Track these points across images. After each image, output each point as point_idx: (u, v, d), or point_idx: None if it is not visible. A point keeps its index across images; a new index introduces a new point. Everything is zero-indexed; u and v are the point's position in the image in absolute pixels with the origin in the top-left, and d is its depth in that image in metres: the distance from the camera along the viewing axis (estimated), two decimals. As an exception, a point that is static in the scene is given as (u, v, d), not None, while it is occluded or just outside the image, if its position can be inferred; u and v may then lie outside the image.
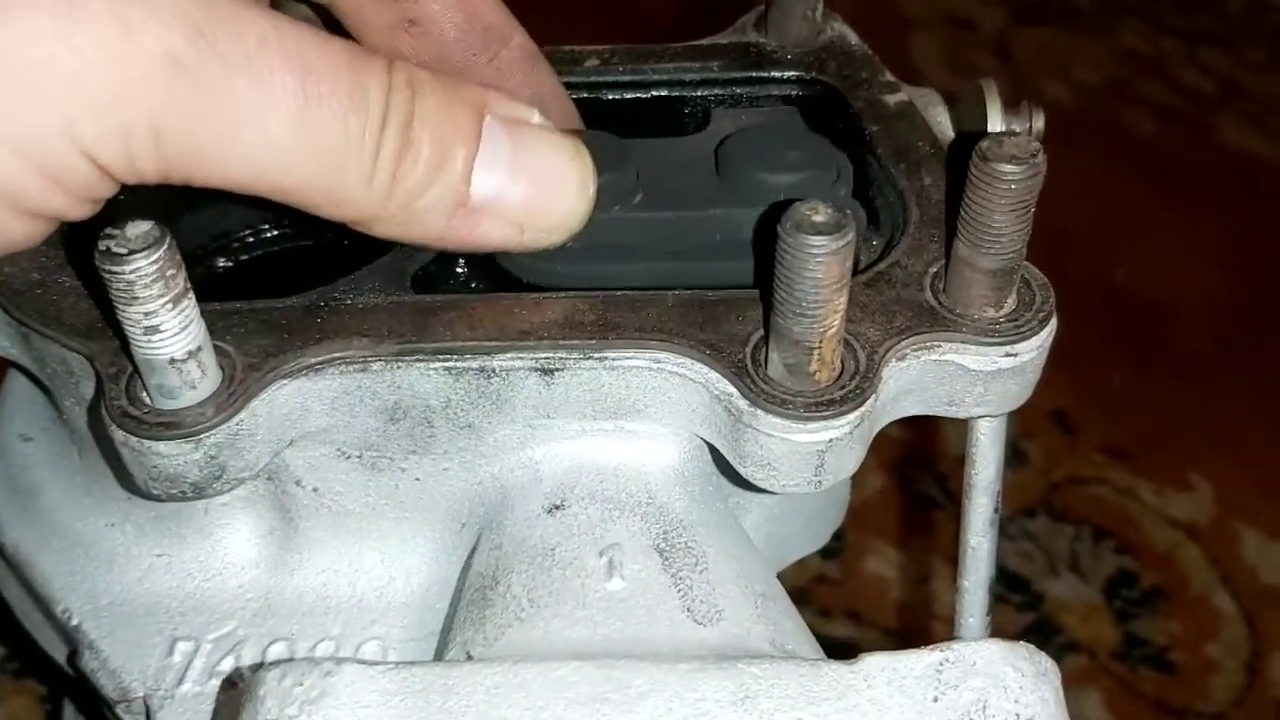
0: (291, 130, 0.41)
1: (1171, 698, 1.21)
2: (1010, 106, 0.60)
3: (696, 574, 0.49)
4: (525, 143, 0.47)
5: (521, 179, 0.47)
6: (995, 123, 0.60)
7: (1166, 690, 1.22)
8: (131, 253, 0.43)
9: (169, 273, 0.44)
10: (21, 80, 0.38)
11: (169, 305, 0.45)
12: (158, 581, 0.57)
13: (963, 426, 0.55)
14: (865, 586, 1.23)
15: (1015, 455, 1.33)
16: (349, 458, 0.54)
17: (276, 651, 0.54)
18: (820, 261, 0.44)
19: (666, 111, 0.65)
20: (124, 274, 0.44)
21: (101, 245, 0.44)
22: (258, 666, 0.48)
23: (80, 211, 0.41)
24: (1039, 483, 1.35)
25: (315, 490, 0.55)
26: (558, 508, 0.52)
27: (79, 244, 0.57)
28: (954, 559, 0.55)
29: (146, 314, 0.45)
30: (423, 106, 0.44)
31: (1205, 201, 1.77)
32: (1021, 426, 1.37)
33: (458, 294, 0.55)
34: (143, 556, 0.57)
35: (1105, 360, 1.48)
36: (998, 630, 1.20)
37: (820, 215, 0.44)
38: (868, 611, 1.22)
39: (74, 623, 0.56)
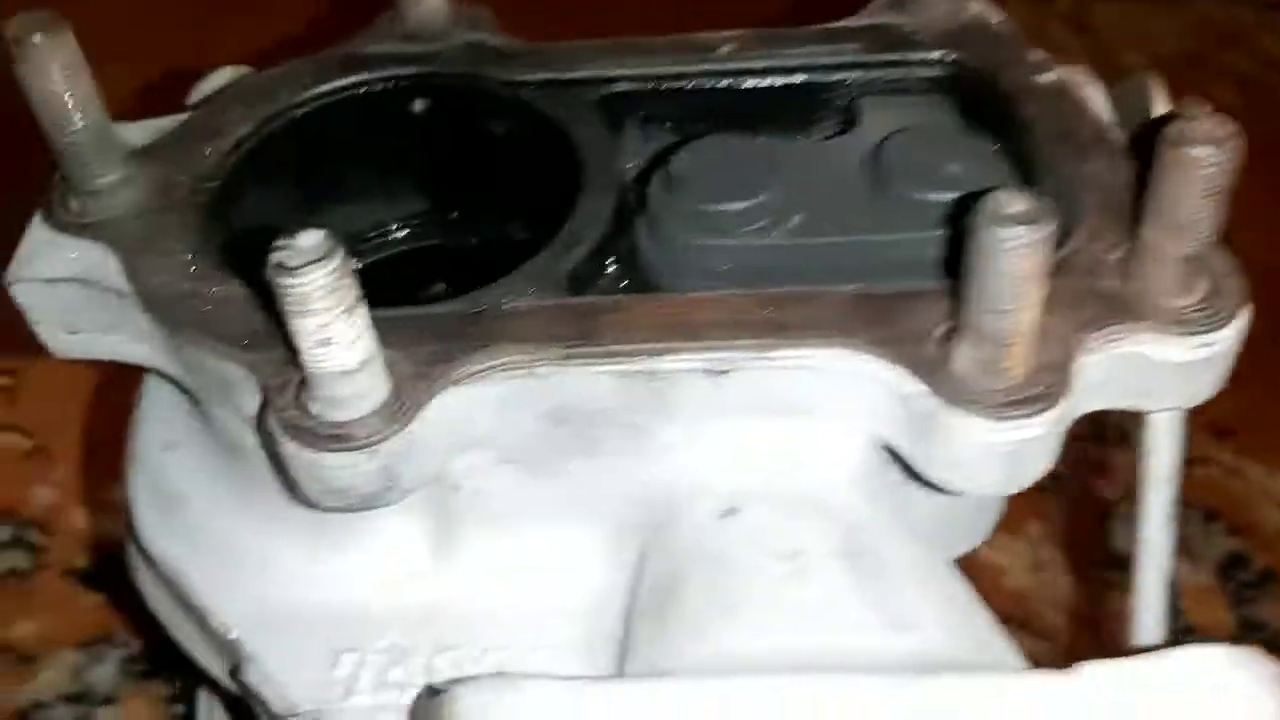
0: None
1: (1291, 682, 1.18)
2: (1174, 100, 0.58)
3: (884, 579, 0.48)
4: None
5: None
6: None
7: (1286, 674, 1.19)
8: (306, 264, 0.43)
9: (343, 283, 0.43)
10: None
11: (343, 316, 0.44)
12: (315, 590, 0.56)
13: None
14: (978, 575, 1.21)
15: (1121, 435, 1.30)
16: (510, 462, 0.53)
17: (444, 661, 0.53)
18: (1018, 254, 0.42)
19: (806, 99, 0.64)
20: (298, 286, 0.43)
21: (274, 258, 0.43)
22: (437, 689, 0.46)
23: None
24: (1147, 464, 1.32)
25: (475, 495, 0.54)
26: (731, 512, 0.50)
27: (236, 250, 0.56)
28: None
29: (320, 326, 0.44)
30: None
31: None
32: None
33: (618, 295, 0.54)
34: (299, 565, 0.56)
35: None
36: (1110, 615, 1.17)
37: (1017, 205, 0.42)
38: (984, 600, 1.20)
39: (232, 635, 0.55)
